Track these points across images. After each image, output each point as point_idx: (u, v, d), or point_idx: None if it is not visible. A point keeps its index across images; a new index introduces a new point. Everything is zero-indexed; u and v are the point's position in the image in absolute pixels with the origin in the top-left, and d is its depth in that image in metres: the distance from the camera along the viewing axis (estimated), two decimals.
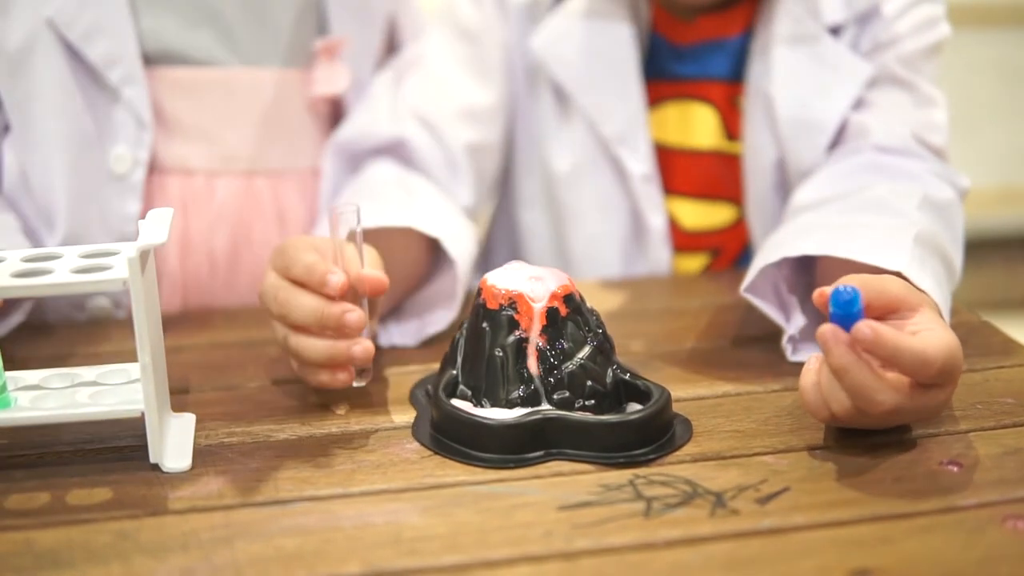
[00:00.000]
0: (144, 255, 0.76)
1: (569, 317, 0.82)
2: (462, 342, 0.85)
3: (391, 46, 1.21)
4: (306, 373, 0.87)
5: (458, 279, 1.00)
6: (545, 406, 0.80)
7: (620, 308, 1.09)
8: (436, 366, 0.90)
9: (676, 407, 0.83)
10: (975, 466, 0.76)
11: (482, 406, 0.82)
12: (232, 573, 0.66)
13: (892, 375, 0.75)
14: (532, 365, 0.81)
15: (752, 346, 0.97)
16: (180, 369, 0.94)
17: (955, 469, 0.76)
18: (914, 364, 0.74)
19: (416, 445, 0.81)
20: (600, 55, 1.16)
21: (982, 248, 2.06)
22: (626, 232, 1.20)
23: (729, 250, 1.22)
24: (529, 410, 0.80)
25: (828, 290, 0.75)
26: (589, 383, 0.81)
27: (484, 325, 0.82)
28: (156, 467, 0.77)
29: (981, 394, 0.86)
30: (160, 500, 0.74)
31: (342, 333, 0.83)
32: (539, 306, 0.82)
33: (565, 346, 0.82)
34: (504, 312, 0.82)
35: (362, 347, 0.83)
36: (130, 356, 0.80)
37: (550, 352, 0.81)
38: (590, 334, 0.83)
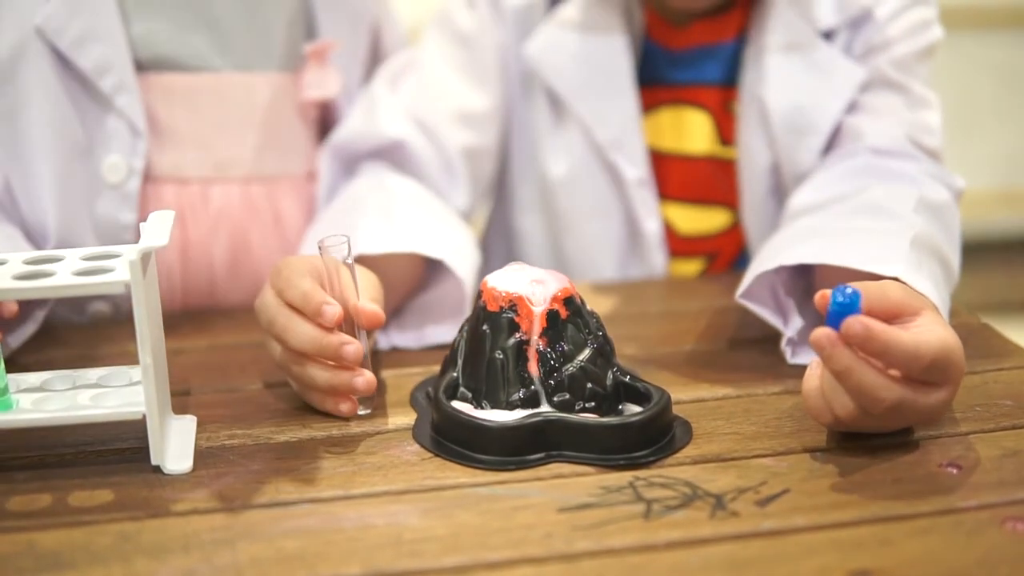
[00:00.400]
0: (145, 257, 0.76)
1: (569, 320, 0.83)
2: (462, 344, 0.85)
3: (375, 54, 1.21)
4: (307, 396, 0.87)
5: (465, 297, 1.00)
6: (545, 408, 0.81)
7: (618, 311, 1.09)
8: (436, 368, 0.90)
9: (676, 409, 0.83)
10: (974, 468, 0.76)
11: (482, 408, 0.82)
12: (233, 574, 0.66)
13: (893, 372, 0.75)
14: (532, 367, 0.81)
15: (751, 348, 0.98)
16: (181, 371, 0.94)
17: (954, 471, 0.76)
18: (905, 357, 0.74)
19: (417, 447, 0.81)
20: (594, 61, 1.16)
21: (982, 250, 2.06)
22: (621, 237, 1.20)
23: (725, 255, 1.23)
24: (529, 412, 0.80)
25: (829, 292, 0.75)
26: (589, 385, 0.81)
27: (484, 327, 0.83)
28: (157, 469, 0.77)
29: (980, 396, 0.86)
30: (161, 502, 0.74)
31: (340, 364, 0.83)
32: (539, 309, 0.82)
33: (565, 348, 0.82)
34: (504, 314, 0.82)
35: (364, 380, 0.83)
36: (131, 358, 0.81)
37: (550, 354, 0.81)
38: (590, 336, 0.83)
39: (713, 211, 1.21)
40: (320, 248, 0.83)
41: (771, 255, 0.95)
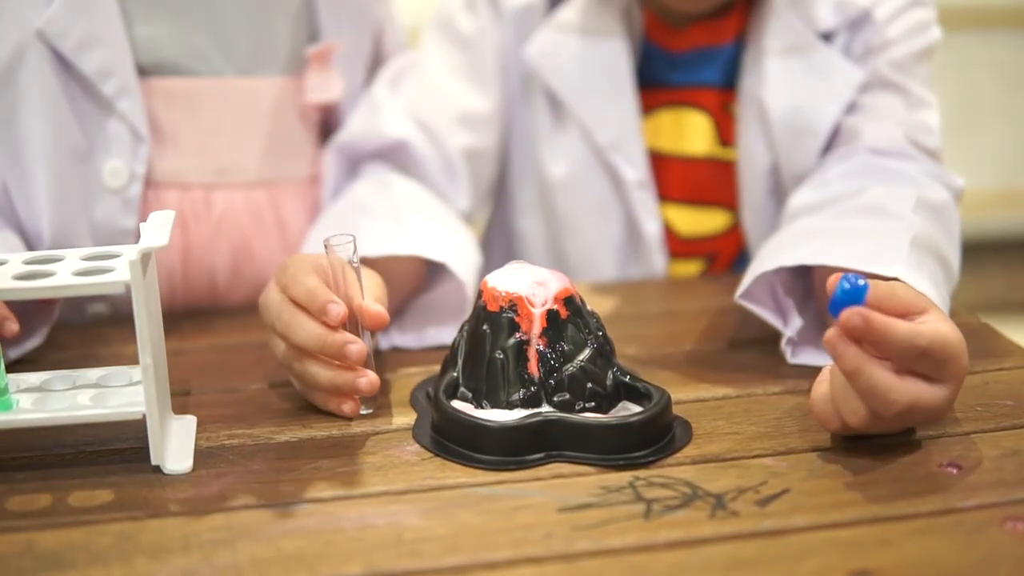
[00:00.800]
0: (145, 257, 0.76)
1: (569, 319, 0.83)
2: (462, 344, 0.85)
3: (377, 57, 1.21)
4: (310, 395, 0.87)
5: (466, 299, 1.00)
6: (545, 408, 0.81)
7: (618, 311, 1.09)
8: (437, 368, 0.90)
9: (676, 409, 0.83)
10: (975, 468, 0.76)
11: (483, 408, 0.82)
12: (233, 574, 0.66)
13: (894, 366, 0.75)
14: (532, 367, 0.81)
15: (751, 348, 0.98)
16: (181, 371, 0.94)
17: (955, 471, 0.76)
18: (903, 346, 0.74)
19: (417, 447, 0.81)
20: (593, 63, 1.16)
21: (982, 250, 2.07)
22: (621, 239, 1.21)
23: (724, 256, 1.23)
24: (529, 412, 0.80)
25: (840, 276, 0.74)
26: (589, 385, 0.81)
27: (484, 327, 0.83)
28: (157, 469, 0.77)
29: (981, 396, 0.86)
30: (161, 502, 0.74)
31: (344, 363, 0.83)
32: (539, 309, 0.82)
33: (565, 348, 0.82)
34: (504, 314, 0.82)
35: (367, 380, 0.83)
36: (131, 358, 0.81)
37: (550, 354, 0.81)
38: (590, 336, 0.83)
39: (713, 212, 1.21)
40: (326, 247, 0.83)
41: (771, 255, 0.95)
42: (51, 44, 1.00)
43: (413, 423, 0.85)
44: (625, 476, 0.76)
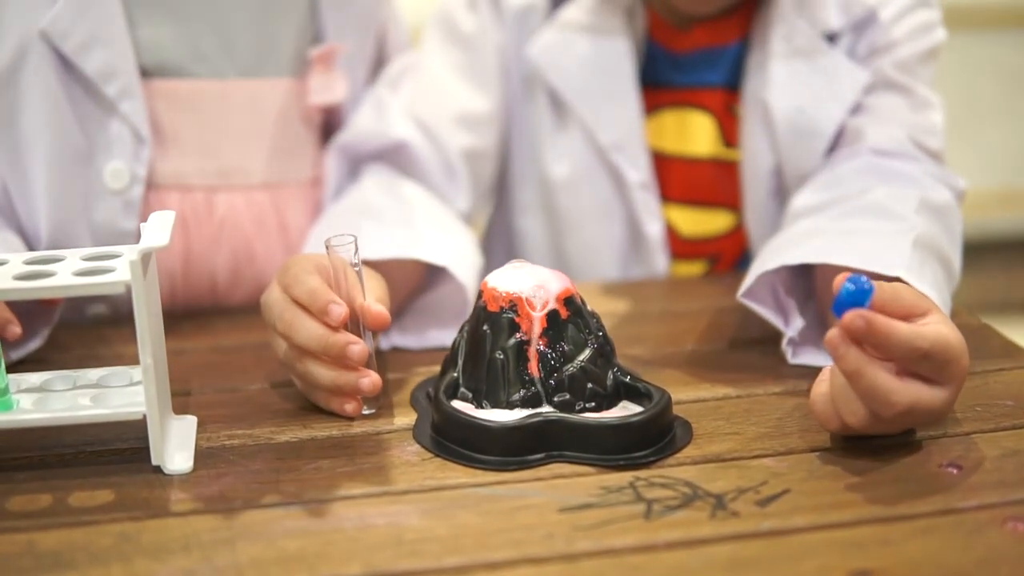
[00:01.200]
0: (146, 258, 0.76)
1: (570, 320, 0.83)
2: (463, 344, 0.85)
3: (380, 58, 1.21)
4: (312, 395, 0.87)
5: (467, 301, 0.99)
6: (546, 408, 0.81)
7: (619, 311, 1.09)
8: (437, 368, 0.90)
9: (676, 409, 0.83)
10: (975, 468, 0.76)
11: (483, 408, 0.82)
12: (233, 574, 0.66)
13: (895, 367, 0.75)
14: (533, 367, 0.81)
15: (752, 348, 0.98)
16: (181, 371, 0.94)
17: (955, 471, 0.76)
18: (905, 349, 0.74)
19: (417, 447, 0.81)
20: (596, 63, 1.16)
21: (982, 251, 2.07)
22: (623, 239, 1.20)
23: (727, 257, 1.23)
24: (530, 412, 0.80)
25: (846, 275, 0.74)
26: (590, 385, 0.81)
27: (485, 328, 0.83)
28: (158, 469, 0.78)
29: (981, 396, 0.86)
30: (162, 502, 0.74)
31: (345, 364, 0.83)
32: (539, 309, 0.82)
33: (566, 349, 0.82)
34: (505, 315, 0.82)
35: (370, 381, 0.83)
36: (132, 359, 0.81)
37: (551, 355, 0.81)
38: (590, 337, 0.83)
39: (715, 213, 1.21)
40: (327, 247, 0.83)
41: (773, 255, 0.95)
42: (54, 44, 0.99)
43: (413, 423, 0.85)
44: (626, 476, 0.76)
